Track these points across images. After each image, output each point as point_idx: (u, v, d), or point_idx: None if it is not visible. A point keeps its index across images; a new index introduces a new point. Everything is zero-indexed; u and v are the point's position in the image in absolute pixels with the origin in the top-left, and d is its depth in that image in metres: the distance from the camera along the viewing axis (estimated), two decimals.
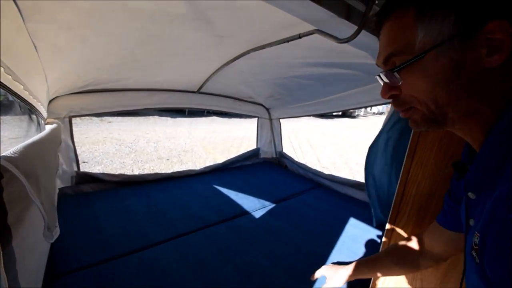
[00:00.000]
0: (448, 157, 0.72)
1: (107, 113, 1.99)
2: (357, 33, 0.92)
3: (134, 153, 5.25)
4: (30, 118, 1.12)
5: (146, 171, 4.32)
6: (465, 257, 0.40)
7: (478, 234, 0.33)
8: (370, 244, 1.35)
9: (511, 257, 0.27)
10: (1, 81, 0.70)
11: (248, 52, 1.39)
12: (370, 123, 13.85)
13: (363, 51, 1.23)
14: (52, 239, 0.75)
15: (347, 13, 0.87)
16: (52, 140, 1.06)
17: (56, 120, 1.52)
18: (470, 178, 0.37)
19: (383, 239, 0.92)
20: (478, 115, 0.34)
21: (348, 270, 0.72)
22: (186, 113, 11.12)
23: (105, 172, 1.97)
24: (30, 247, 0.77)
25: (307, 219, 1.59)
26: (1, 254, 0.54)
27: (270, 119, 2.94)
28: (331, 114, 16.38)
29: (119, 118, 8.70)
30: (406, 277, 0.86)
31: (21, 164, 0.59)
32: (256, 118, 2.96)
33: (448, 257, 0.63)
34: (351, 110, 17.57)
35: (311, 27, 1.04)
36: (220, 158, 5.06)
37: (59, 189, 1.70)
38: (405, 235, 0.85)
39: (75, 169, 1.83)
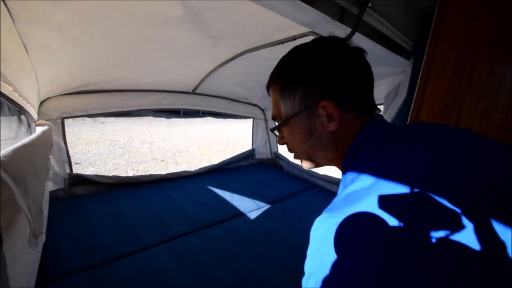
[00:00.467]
0: None
1: (100, 114, 1.97)
2: (351, 35, 0.94)
3: (128, 154, 5.20)
4: (20, 119, 1.10)
5: (141, 173, 4.28)
6: None
7: None
8: None
9: None
10: None
11: (243, 53, 1.40)
12: None
13: None
14: (37, 246, 0.74)
15: (341, 16, 0.88)
16: (42, 143, 1.04)
17: (47, 122, 1.50)
18: None
19: None
20: (335, 160, 0.48)
21: None
22: (181, 113, 11.06)
23: (99, 174, 1.94)
24: (21, 252, 0.75)
25: (302, 220, 1.60)
26: None
27: (266, 120, 2.94)
28: None
29: (113, 119, 8.61)
30: None
31: (10, 168, 0.58)
32: (252, 119, 2.96)
33: None
34: None
35: (305, 29, 1.05)
36: (215, 159, 5.05)
37: (51, 191, 1.68)
38: None
39: (68, 171, 1.80)
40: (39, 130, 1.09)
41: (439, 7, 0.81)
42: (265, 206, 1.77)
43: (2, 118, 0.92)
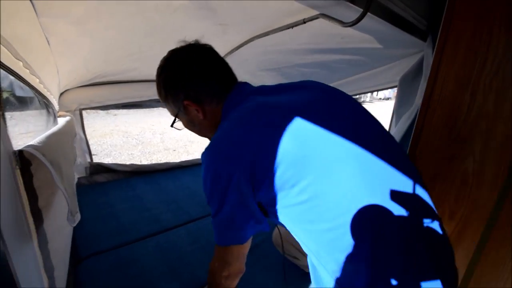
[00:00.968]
0: (452, 138, 0.74)
1: (114, 105, 2.03)
2: (362, 16, 0.92)
3: (141, 144, 5.34)
4: (48, 112, 1.17)
5: (154, 162, 4.41)
6: None
7: None
8: None
9: None
10: (20, 74, 0.73)
11: (252, 39, 1.39)
12: (376, 110, 13.65)
13: (368, 35, 1.23)
14: (74, 223, 0.81)
15: None
16: (68, 132, 1.11)
17: (68, 113, 1.57)
18: None
19: None
20: None
21: None
22: None
23: (117, 163, 2.04)
24: (58, 230, 0.83)
25: None
26: (36, 234, 0.59)
27: None
28: None
29: (124, 111, 8.77)
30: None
31: (46, 152, 0.64)
32: None
33: None
34: (356, 97, 17.31)
35: (315, 12, 1.04)
36: None
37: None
38: None
39: (88, 160, 1.90)
40: (63, 120, 1.16)
41: None
42: None
43: (33, 111, 0.99)
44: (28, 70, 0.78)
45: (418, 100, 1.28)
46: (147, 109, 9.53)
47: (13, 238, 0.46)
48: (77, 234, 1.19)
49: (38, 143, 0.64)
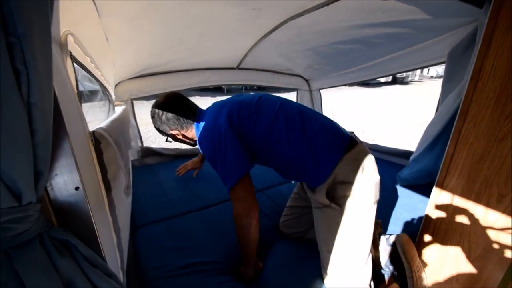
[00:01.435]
0: (505, 116, 0.67)
1: (159, 94, 2.22)
2: None
3: None
4: (110, 102, 1.35)
5: None
6: None
7: None
8: (412, 209, 1.33)
9: None
10: (88, 68, 0.87)
11: (285, 21, 1.38)
12: (427, 89, 12.22)
13: (413, 6, 1.13)
14: (128, 196, 0.96)
15: None
16: (125, 118, 1.28)
17: (122, 103, 1.78)
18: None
19: (429, 202, 0.92)
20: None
21: None
22: (225, 91, 11.38)
23: (163, 147, 2.26)
24: (121, 201, 0.99)
25: None
26: (107, 200, 0.73)
27: (310, 91, 2.88)
28: (378, 81, 14.87)
29: None
30: (453, 240, 0.86)
31: (111, 134, 0.76)
32: (295, 91, 2.93)
33: None
34: (403, 76, 15.63)
35: None
36: None
37: None
38: (453, 198, 0.84)
39: (140, 144, 2.14)
40: (120, 108, 1.33)
41: None
42: None
43: (98, 102, 1.17)
44: (93, 65, 0.92)
45: (468, 75, 1.15)
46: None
47: (93, 200, 0.59)
48: (134, 207, 1.39)
49: (106, 126, 0.77)
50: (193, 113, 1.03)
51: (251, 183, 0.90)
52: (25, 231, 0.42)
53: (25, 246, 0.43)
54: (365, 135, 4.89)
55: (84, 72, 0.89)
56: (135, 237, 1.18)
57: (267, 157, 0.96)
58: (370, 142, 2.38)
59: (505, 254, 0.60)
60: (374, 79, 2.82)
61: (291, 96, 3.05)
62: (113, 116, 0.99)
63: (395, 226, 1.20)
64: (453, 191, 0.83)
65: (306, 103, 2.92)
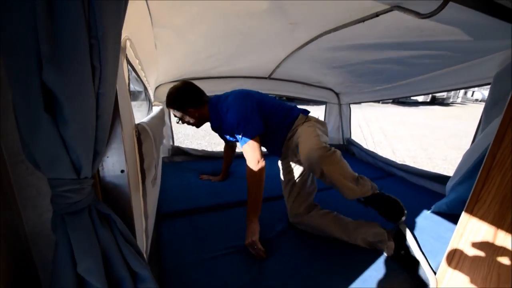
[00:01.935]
0: None
1: None
2: (442, 6, 0.86)
3: (209, 136, 5.90)
4: (149, 102, 1.50)
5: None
6: None
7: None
8: (439, 236, 1.25)
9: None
10: (136, 69, 0.99)
11: (320, 35, 1.41)
12: (470, 113, 11.29)
13: (453, 27, 1.10)
14: (154, 185, 1.05)
15: None
16: (161, 117, 1.40)
17: (160, 103, 1.93)
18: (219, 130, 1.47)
19: (456, 228, 0.87)
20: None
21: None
22: None
23: (191, 148, 2.39)
24: (151, 189, 1.08)
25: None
26: (141, 187, 0.81)
27: (340, 104, 2.85)
28: (415, 100, 14.08)
29: None
30: (480, 272, 0.80)
31: (150, 128, 0.85)
32: (324, 104, 2.92)
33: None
34: (443, 96, 14.64)
35: (388, 6, 1.01)
36: None
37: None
38: (483, 226, 0.78)
39: (171, 143, 2.29)
40: (158, 108, 1.46)
41: None
42: (333, 191, 1.80)
43: (139, 102, 1.31)
44: (140, 67, 1.04)
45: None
46: None
47: (133, 184, 0.66)
48: (161, 198, 1.49)
49: (147, 121, 0.86)
50: (206, 96, 1.37)
51: (259, 143, 1.22)
52: (79, 201, 0.50)
53: (77, 214, 0.50)
54: (396, 156, 4.65)
55: (133, 74, 1.01)
56: (160, 226, 1.26)
57: (267, 127, 1.32)
58: (399, 162, 2.27)
59: None
60: (410, 97, 2.71)
61: (320, 108, 3.04)
62: (152, 114, 1.10)
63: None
64: (483, 218, 0.78)
65: (334, 116, 2.90)
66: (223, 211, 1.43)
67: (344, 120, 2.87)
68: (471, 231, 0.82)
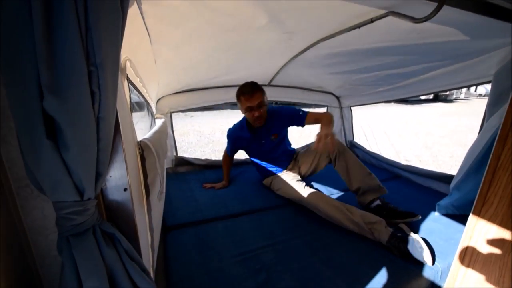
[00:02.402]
0: None
1: (194, 108, 2.39)
2: (437, 9, 0.86)
3: (211, 143, 5.93)
4: (151, 114, 1.52)
5: None
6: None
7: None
8: (448, 238, 1.23)
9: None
10: (137, 87, 1.01)
11: (317, 42, 1.42)
12: (473, 108, 11.15)
13: (450, 27, 1.10)
14: (161, 199, 1.06)
15: None
16: (163, 131, 1.41)
17: (162, 116, 1.96)
18: (266, 131, 1.75)
19: (465, 230, 0.85)
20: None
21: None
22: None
23: (194, 157, 2.40)
24: (155, 204, 1.08)
25: None
26: (145, 202, 0.81)
27: (341, 108, 2.85)
28: (418, 98, 13.96)
29: (199, 113, 9.91)
30: (492, 274, 0.78)
31: (153, 144, 0.86)
32: (326, 107, 2.92)
33: None
34: (446, 93, 14.51)
35: (384, 11, 1.01)
36: None
37: None
38: (492, 228, 0.77)
39: (174, 153, 2.30)
40: (160, 121, 1.48)
41: None
42: (337, 194, 1.79)
43: (142, 113, 1.32)
44: (141, 84, 1.06)
45: (509, 97, 1.08)
46: (217, 111, 10.50)
47: (136, 201, 0.67)
48: (166, 210, 1.50)
49: (149, 137, 0.88)
50: None
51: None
52: (83, 222, 0.50)
53: (82, 235, 0.51)
54: (400, 157, 4.60)
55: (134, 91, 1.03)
56: (165, 239, 1.26)
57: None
58: (405, 163, 2.25)
59: None
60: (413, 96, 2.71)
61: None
62: (154, 128, 1.11)
63: None
64: (491, 220, 0.76)
65: (336, 119, 2.89)
66: (228, 220, 1.42)
67: (346, 123, 2.86)
68: (479, 233, 0.80)
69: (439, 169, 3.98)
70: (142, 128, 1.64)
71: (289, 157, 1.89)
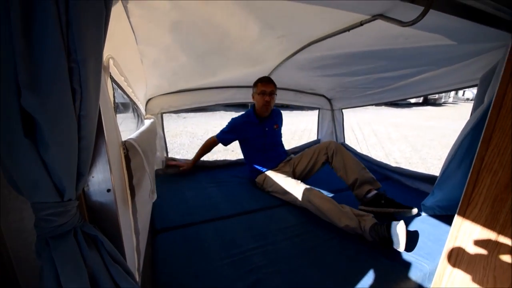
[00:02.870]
0: None
1: (187, 109, 2.37)
2: (424, 13, 0.88)
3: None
4: (138, 115, 1.49)
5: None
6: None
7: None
8: (436, 239, 1.25)
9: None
10: (122, 86, 0.99)
11: (308, 45, 1.43)
12: (461, 112, 11.48)
13: (436, 33, 1.13)
14: (153, 199, 1.04)
15: None
16: (152, 131, 1.39)
17: (152, 116, 1.93)
18: (271, 120, 2.03)
19: (450, 231, 0.87)
20: None
21: None
22: (249, 107, 11.69)
23: (185, 158, 2.37)
24: (142, 205, 1.06)
25: None
26: (131, 203, 0.79)
27: (332, 110, 2.88)
28: (408, 102, 14.27)
29: (192, 114, 9.83)
30: (476, 274, 0.80)
31: (140, 144, 0.85)
32: (317, 110, 2.95)
33: None
34: (435, 97, 14.89)
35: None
36: None
37: None
38: (476, 228, 0.79)
39: (165, 155, 2.27)
40: (149, 121, 1.45)
41: None
42: (328, 195, 1.79)
43: (128, 114, 1.30)
44: (126, 83, 1.04)
45: (487, 98, 1.12)
46: (210, 112, 10.44)
47: (120, 202, 0.65)
48: (155, 213, 1.47)
49: (135, 137, 0.86)
50: None
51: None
52: (63, 224, 0.49)
53: (62, 237, 0.49)
54: (389, 158, 4.68)
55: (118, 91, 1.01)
56: (154, 241, 1.24)
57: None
58: (394, 165, 2.28)
59: None
60: (403, 99, 2.76)
61: (314, 113, 3.07)
62: (142, 128, 1.09)
63: (418, 256, 1.14)
64: (476, 221, 0.78)
65: (328, 121, 2.92)
66: (219, 221, 1.41)
67: (337, 125, 2.89)
68: (465, 233, 0.82)
69: (428, 171, 4.06)
70: (133, 128, 1.61)
71: (283, 154, 2.04)
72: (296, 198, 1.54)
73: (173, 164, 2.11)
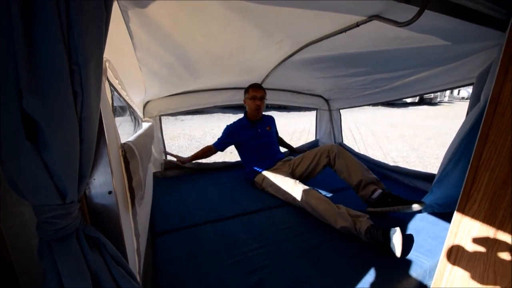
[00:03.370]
0: None
1: (184, 111, 2.37)
2: (419, 14, 0.89)
3: (202, 147, 5.87)
4: (134, 118, 1.50)
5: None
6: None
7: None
8: (436, 235, 1.26)
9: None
10: (117, 88, 0.99)
11: (305, 46, 1.44)
12: (456, 111, 11.58)
13: (431, 34, 1.14)
14: (140, 205, 1.03)
15: None
16: (148, 134, 1.39)
17: (150, 119, 1.92)
18: (263, 123, 2.12)
19: (450, 228, 0.87)
20: None
21: None
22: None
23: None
24: (142, 208, 1.06)
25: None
26: (131, 206, 0.79)
27: (330, 110, 2.89)
28: (404, 101, 14.38)
29: (189, 116, 9.81)
30: (477, 270, 0.80)
31: (137, 147, 0.85)
32: (315, 110, 2.96)
33: None
34: (431, 96, 15.02)
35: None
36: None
37: (153, 173, 2.15)
38: (475, 225, 0.79)
39: (164, 157, 2.27)
40: (146, 124, 1.45)
41: None
42: (326, 195, 1.80)
43: (125, 117, 1.30)
44: (120, 86, 1.04)
45: (483, 97, 1.13)
46: (208, 114, 10.43)
47: (121, 204, 0.65)
48: (155, 215, 1.46)
49: (133, 140, 0.86)
50: None
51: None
52: (66, 226, 0.49)
53: (64, 239, 0.49)
54: (387, 157, 4.70)
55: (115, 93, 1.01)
56: (154, 244, 1.23)
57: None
58: (392, 164, 2.29)
59: None
60: (399, 99, 2.78)
61: (312, 114, 3.08)
62: (139, 131, 1.09)
63: (418, 253, 1.14)
64: (475, 217, 0.79)
65: (325, 122, 2.93)
66: (219, 223, 1.41)
67: (335, 125, 2.90)
68: (464, 230, 0.83)
69: (425, 169, 4.08)
70: (130, 132, 1.61)
71: (280, 154, 2.10)
72: (295, 198, 1.55)
73: (173, 154, 2.14)
